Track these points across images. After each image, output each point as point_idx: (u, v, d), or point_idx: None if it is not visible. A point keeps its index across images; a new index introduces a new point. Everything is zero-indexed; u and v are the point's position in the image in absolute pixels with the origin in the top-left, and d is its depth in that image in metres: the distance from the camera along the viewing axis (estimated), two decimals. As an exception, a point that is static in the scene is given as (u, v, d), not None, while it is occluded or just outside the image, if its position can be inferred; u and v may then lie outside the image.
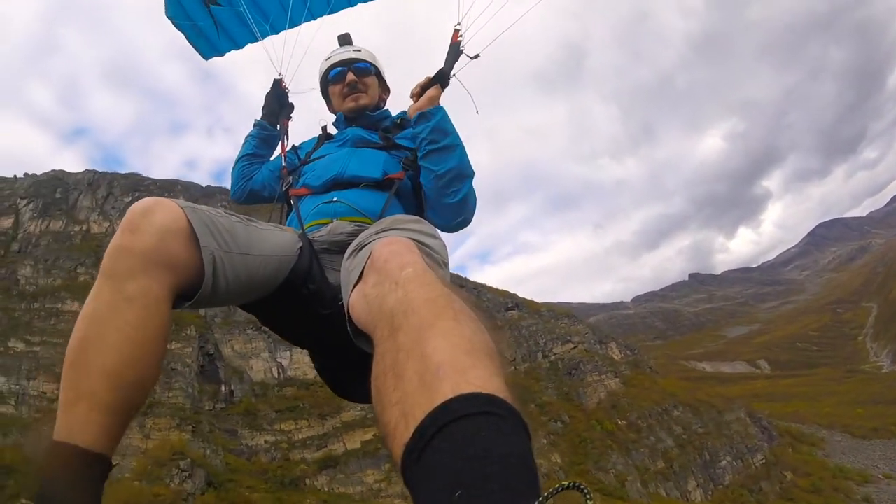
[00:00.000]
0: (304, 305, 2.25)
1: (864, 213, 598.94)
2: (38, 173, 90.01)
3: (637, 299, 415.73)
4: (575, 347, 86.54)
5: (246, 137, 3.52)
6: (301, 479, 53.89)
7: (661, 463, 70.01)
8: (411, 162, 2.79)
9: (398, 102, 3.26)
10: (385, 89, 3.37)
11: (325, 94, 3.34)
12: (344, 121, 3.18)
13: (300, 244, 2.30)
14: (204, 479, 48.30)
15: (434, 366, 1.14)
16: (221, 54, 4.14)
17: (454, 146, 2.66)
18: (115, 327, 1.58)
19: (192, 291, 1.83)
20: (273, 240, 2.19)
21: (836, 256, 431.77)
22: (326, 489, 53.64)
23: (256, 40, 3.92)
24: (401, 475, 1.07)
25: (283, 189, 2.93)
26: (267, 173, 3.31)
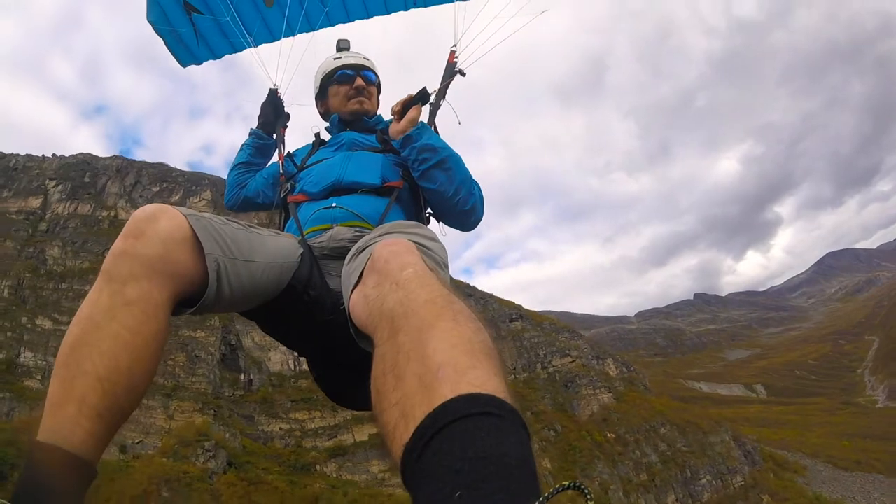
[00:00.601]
0: (305, 312, 2.24)
1: (875, 246, 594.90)
2: (66, 154, 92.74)
3: (641, 315, 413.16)
4: (573, 361, 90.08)
5: (241, 146, 3.50)
6: (312, 465, 57.82)
7: (643, 476, 73.64)
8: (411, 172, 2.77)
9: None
10: (378, 104, 3.36)
11: (323, 91, 3.30)
12: (338, 123, 3.17)
13: (301, 250, 2.29)
14: (225, 460, 52.63)
15: (434, 367, 1.13)
16: (199, 63, 4.11)
17: (446, 158, 2.64)
18: (111, 331, 1.54)
19: (194, 298, 1.83)
20: (275, 246, 2.18)
21: (842, 286, 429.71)
22: (335, 475, 57.34)
23: (234, 51, 3.98)
24: (400, 476, 1.06)
25: (281, 196, 2.88)
26: (261, 181, 3.27)
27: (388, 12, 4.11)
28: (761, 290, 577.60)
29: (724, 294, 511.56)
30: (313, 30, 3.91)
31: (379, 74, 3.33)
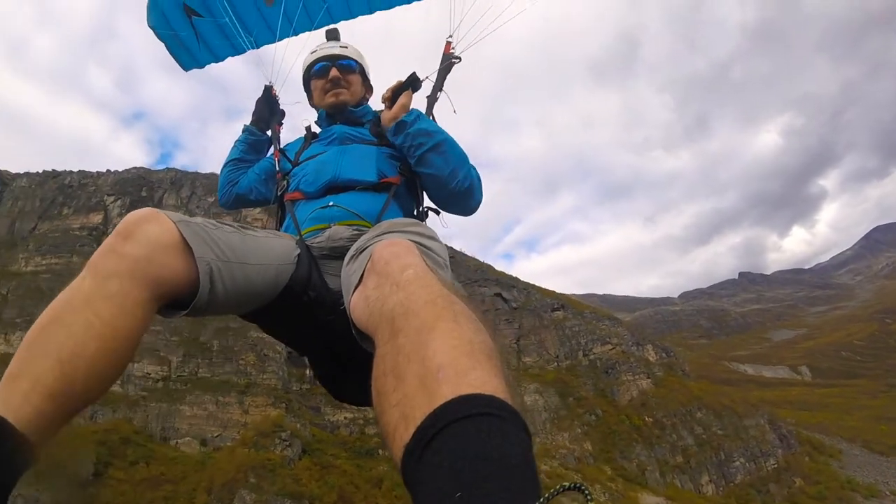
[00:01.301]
0: (306, 312, 2.24)
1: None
2: (120, 169, 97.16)
3: (684, 295, 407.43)
4: (613, 348, 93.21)
5: (234, 142, 3.45)
6: (375, 450, 62.92)
7: (679, 458, 76.89)
8: (409, 165, 2.73)
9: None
10: (368, 88, 3.31)
11: (308, 87, 3.27)
12: (325, 118, 3.12)
13: (297, 251, 2.28)
14: (300, 448, 58.63)
15: (434, 368, 1.14)
16: (201, 66, 4.07)
17: (442, 141, 2.61)
18: (83, 317, 1.53)
19: (188, 301, 1.82)
20: (270, 248, 2.18)
21: (890, 262, 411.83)
22: (396, 459, 63.00)
23: (237, 53, 3.93)
24: (401, 476, 1.06)
25: (278, 194, 2.85)
26: (253, 177, 3.24)
27: (390, 6, 4.00)
28: (807, 267, 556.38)
29: (769, 272, 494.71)
30: (314, 28, 3.87)
31: (361, 60, 3.24)
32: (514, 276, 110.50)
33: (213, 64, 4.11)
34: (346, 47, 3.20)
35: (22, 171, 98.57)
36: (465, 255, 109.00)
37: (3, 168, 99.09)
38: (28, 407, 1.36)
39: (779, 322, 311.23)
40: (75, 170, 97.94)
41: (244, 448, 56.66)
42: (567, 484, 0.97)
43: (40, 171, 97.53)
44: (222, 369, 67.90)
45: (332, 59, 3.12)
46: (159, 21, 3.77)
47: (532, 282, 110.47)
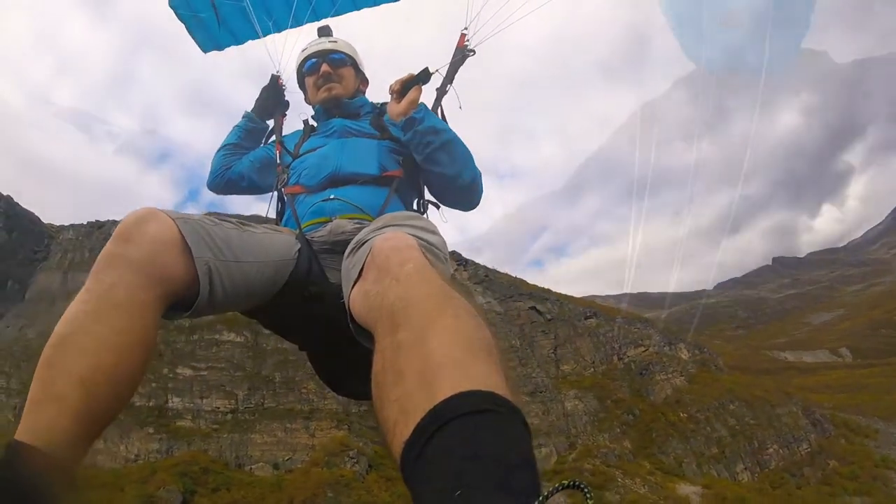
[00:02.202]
0: (306, 307, 2.24)
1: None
2: None
3: (720, 286, 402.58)
4: (646, 350, 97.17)
5: (232, 128, 3.43)
6: (433, 461, 69.39)
7: (714, 449, 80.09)
8: (410, 159, 2.74)
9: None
10: (363, 80, 3.31)
11: (302, 84, 3.29)
12: (323, 112, 3.12)
13: (298, 246, 2.27)
14: (367, 464, 64.94)
15: (434, 363, 1.13)
16: (221, 48, 4.05)
17: (450, 140, 2.62)
18: (96, 332, 1.50)
19: (188, 301, 1.81)
20: (269, 244, 2.15)
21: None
22: (453, 471, 68.52)
23: (258, 37, 3.84)
24: (400, 473, 1.04)
25: (279, 187, 2.85)
26: (247, 164, 3.22)
27: None
28: (840, 245, 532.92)
29: (802, 255, 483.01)
30: (334, 14, 3.87)
31: (353, 53, 3.25)
32: (547, 287, 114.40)
33: (233, 46, 4.09)
34: (336, 41, 3.22)
35: (66, 224, 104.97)
36: (498, 272, 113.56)
37: (47, 221, 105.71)
38: (58, 431, 1.36)
39: (816, 305, 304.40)
40: (117, 218, 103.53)
41: (317, 468, 62.90)
42: (566, 482, 0.96)
43: (84, 223, 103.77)
44: (286, 399, 73.87)
45: (322, 55, 3.15)
46: (180, 1, 3.78)
47: (564, 289, 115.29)
